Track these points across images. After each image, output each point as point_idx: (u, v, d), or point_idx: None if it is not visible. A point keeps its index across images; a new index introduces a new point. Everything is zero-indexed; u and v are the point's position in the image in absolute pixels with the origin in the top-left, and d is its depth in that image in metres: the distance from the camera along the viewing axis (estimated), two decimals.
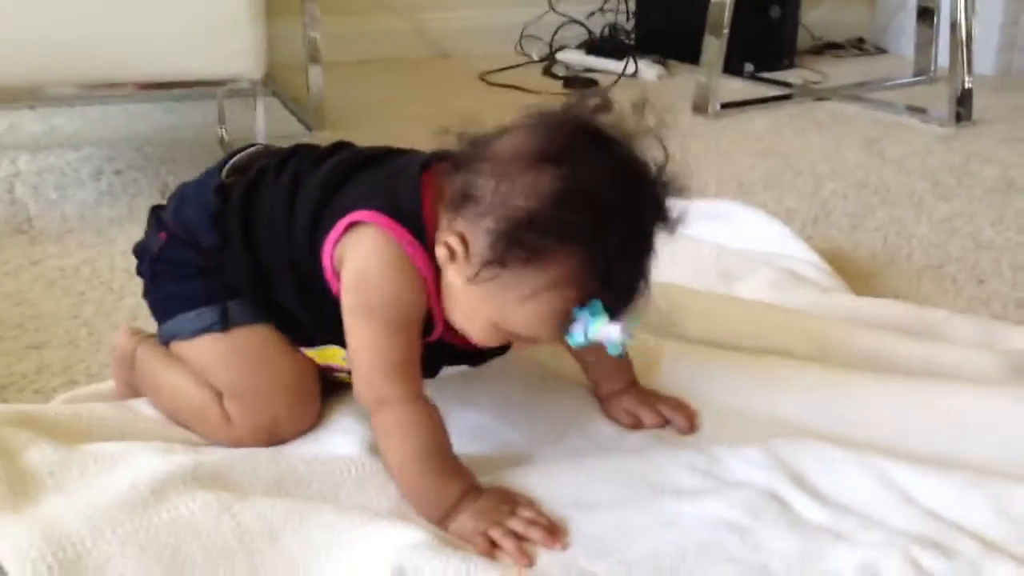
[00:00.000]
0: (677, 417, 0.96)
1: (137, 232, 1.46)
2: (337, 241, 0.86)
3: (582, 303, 0.79)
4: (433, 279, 0.85)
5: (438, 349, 0.89)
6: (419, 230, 0.84)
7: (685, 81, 2.50)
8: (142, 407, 0.97)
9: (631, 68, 2.61)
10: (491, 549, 0.80)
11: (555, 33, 2.79)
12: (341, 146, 0.96)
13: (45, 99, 2.10)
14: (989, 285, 1.37)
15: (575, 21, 2.83)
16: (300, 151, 0.96)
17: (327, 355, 0.94)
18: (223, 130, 1.98)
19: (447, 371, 0.97)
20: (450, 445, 0.86)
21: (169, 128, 2.08)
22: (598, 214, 0.78)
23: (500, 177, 0.79)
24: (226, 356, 0.92)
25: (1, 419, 0.88)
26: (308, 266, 0.88)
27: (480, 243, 0.80)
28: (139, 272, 1.00)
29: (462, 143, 0.84)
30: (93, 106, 2.18)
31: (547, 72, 2.63)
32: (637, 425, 0.96)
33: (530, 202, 0.78)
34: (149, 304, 0.99)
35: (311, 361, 0.95)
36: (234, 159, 0.97)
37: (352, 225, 0.85)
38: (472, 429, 0.94)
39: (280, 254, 0.90)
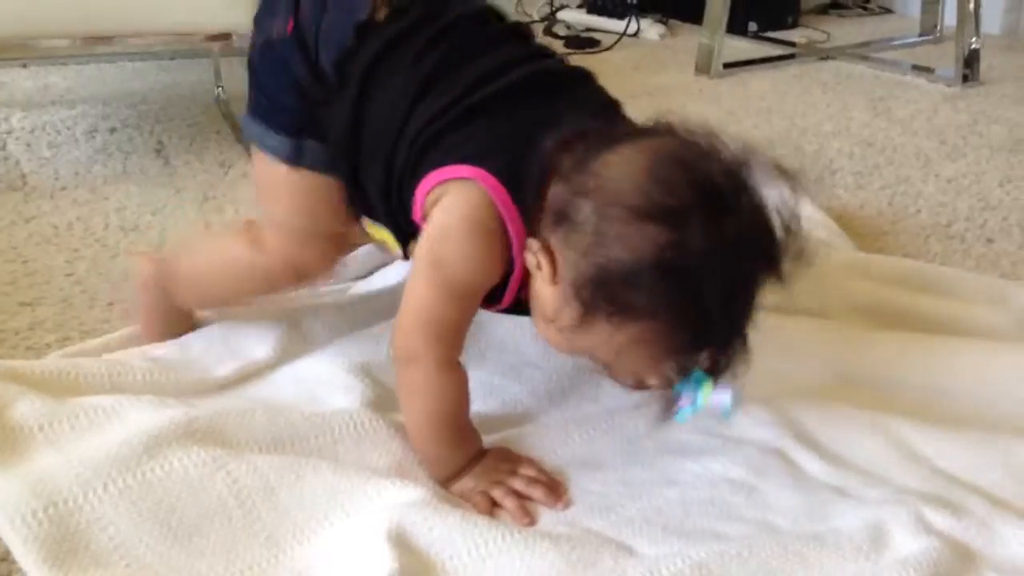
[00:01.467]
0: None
1: (132, 190, 1.46)
2: (441, 182, 0.79)
3: (679, 372, 0.74)
4: (519, 248, 0.78)
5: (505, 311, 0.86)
6: (522, 197, 0.77)
7: (687, 41, 2.46)
8: (134, 361, 0.95)
9: (633, 28, 2.58)
10: (492, 508, 0.79)
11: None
12: (506, 36, 0.87)
13: (37, 53, 2.06)
14: (998, 244, 1.35)
15: None
16: (458, 25, 0.85)
17: (382, 235, 0.90)
18: (220, 89, 1.95)
19: None
20: (467, 415, 0.84)
21: (164, 86, 2.04)
22: (697, 288, 0.70)
23: (603, 214, 0.72)
24: (284, 189, 0.89)
25: None
26: (402, 178, 0.83)
27: (568, 273, 0.74)
28: (256, 28, 0.91)
29: (590, 135, 0.75)
30: (87, 64, 2.15)
31: (548, 32, 2.59)
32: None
33: (627, 257, 0.70)
34: (249, 77, 0.91)
35: (353, 222, 0.91)
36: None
37: (454, 177, 0.79)
38: (479, 387, 0.92)
39: (381, 147, 0.84)
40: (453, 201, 0.79)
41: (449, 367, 0.82)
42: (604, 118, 0.81)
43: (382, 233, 0.91)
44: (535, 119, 0.78)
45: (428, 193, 0.81)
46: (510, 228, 0.78)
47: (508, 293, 0.82)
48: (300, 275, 0.94)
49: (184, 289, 0.99)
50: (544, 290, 0.77)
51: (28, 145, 1.65)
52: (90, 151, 1.63)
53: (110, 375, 0.90)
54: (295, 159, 0.87)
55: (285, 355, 0.98)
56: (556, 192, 0.75)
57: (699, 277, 0.70)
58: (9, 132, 1.71)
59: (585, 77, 0.87)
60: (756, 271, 0.73)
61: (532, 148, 0.76)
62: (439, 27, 0.84)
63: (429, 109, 0.81)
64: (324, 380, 0.94)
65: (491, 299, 0.83)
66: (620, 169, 0.73)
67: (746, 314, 0.73)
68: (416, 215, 0.83)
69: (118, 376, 0.90)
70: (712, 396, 0.74)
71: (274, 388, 0.94)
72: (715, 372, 0.75)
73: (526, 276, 0.80)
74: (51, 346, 1.03)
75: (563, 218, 0.74)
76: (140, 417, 0.82)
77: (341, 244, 0.95)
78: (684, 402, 0.75)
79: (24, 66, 2.10)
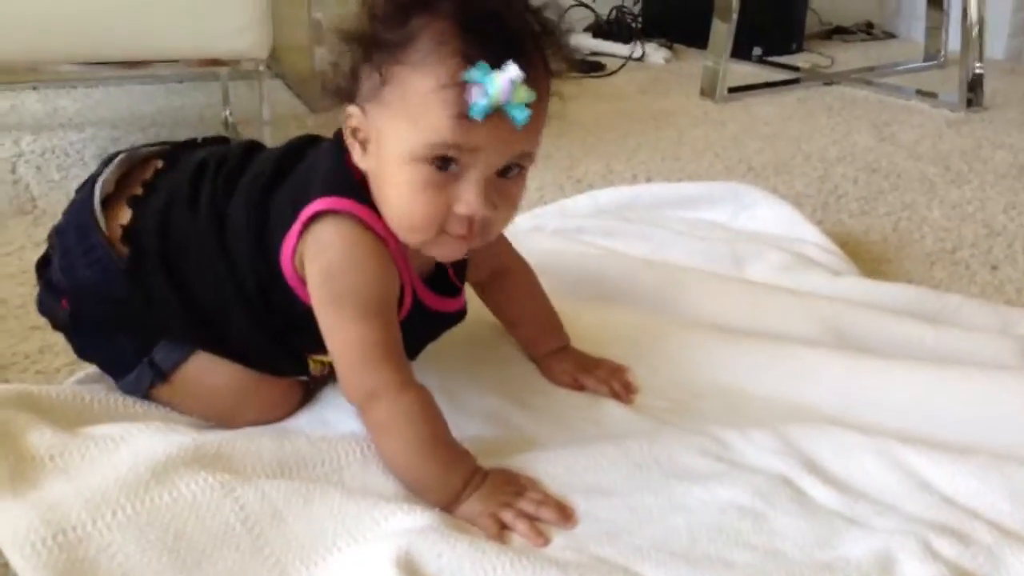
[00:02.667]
0: (615, 382, 0.97)
1: None
2: (295, 246, 0.82)
3: (467, 67, 0.74)
4: (393, 240, 0.82)
5: (414, 322, 0.86)
6: (360, 193, 0.81)
7: (692, 65, 2.48)
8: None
9: (638, 52, 2.59)
10: (501, 531, 0.79)
11: (561, 16, 2.76)
12: (248, 152, 0.91)
13: (46, 77, 2.08)
14: (1002, 271, 1.35)
15: (582, 4, 2.81)
16: (203, 172, 0.88)
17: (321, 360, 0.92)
18: (228, 112, 1.97)
19: (448, 355, 0.95)
20: (448, 429, 0.83)
21: (173, 109, 2.06)
22: None
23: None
24: (183, 399, 0.91)
25: (1, 400, 0.87)
26: (265, 292, 0.84)
27: (363, 82, 0.79)
28: (68, 337, 0.94)
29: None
30: (96, 87, 2.17)
31: None
32: (578, 388, 0.97)
33: (381, 7, 0.77)
34: (95, 364, 0.95)
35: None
36: (100, 183, 0.89)
37: (306, 225, 0.81)
38: (480, 412, 0.93)
39: (223, 292, 0.85)
40: (316, 244, 0.81)
41: (408, 386, 0.81)
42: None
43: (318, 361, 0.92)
44: (309, 164, 0.85)
45: (293, 262, 0.82)
46: (364, 218, 0.80)
47: (404, 281, 0.84)
48: (264, 421, 0.92)
49: None
50: (376, 160, 0.79)
51: (38, 168, 1.67)
52: None
53: (123, 403, 0.91)
54: (160, 374, 0.89)
55: None
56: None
57: None
58: (19, 155, 1.72)
59: (320, 137, 0.91)
60: None
61: (325, 163, 0.83)
62: (188, 193, 0.87)
63: (239, 233, 0.84)
64: (332, 403, 0.94)
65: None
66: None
67: (512, 8, 0.77)
68: (297, 289, 0.83)
69: (131, 404, 0.91)
70: (499, 78, 0.73)
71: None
72: (497, 62, 0.73)
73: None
74: (60, 370, 1.04)
75: (350, 88, 0.80)
76: (148, 443, 0.82)
77: (274, 394, 0.92)
78: (475, 93, 0.73)
79: (34, 89, 2.12)
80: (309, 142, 0.90)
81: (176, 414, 0.92)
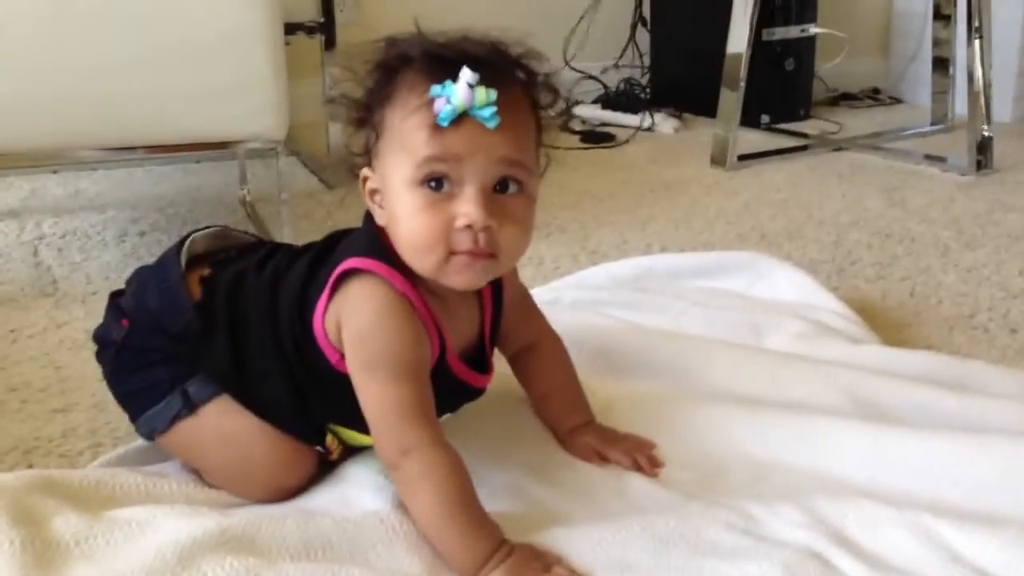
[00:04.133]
0: (640, 456, 0.97)
1: None
2: (326, 308, 0.86)
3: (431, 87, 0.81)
4: (420, 302, 0.85)
5: (436, 384, 0.87)
6: (388, 256, 0.85)
7: (701, 134, 2.51)
8: (168, 470, 0.96)
9: (647, 122, 2.63)
10: None
11: (571, 89, 2.81)
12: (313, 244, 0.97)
13: (68, 162, 2.12)
14: (1022, 334, 1.35)
15: (591, 77, 2.86)
16: (277, 251, 0.96)
17: (349, 437, 0.94)
18: (245, 190, 2.00)
19: (473, 427, 0.95)
20: (476, 494, 0.84)
21: (191, 189, 2.09)
22: (407, 38, 0.85)
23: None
24: (202, 441, 0.92)
25: (27, 486, 0.87)
26: (299, 350, 0.88)
27: (368, 137, 0.87)
28: (99, 359, 0.98)
29: None
30: (116, 169, 2.21)
31: (564, 127, 2.64)
32: (599, 461, 0.97)
33: (366, 83, 0.86)
34: (116, 397, 0.98)
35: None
36: (189, 240, 0.97)
37: (336, 286, 0.85)
38: (503, 487, 0.93)
39: (266, 346, 0.89)
40: (347, 307, 0.85)
41: (441, 444, 0.83)
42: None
43: (346, 435, 0.94)
44: (353, 236, 0.91)
45: (324, 324, 0.86)
46: (391, 281, 0.84)
47: (434, 342, 0.86)
48: (272, 497, 0.93)
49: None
50: (388, 206, 0.85)
51: (59, 250, 1.69)
52: (120, 255, 1.67)
53: (147, 485, 0.91)
54: (189, 405, 0.91)
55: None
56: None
57: (410, 38, 0.85)
58: (41, 238, 1.75)
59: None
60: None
61: (361, 234, 0.89)
62: (260, 257, 0.95)
63: (287, 290, 0.90)
64: (355, 481, 0.94)
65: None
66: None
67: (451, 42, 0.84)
68: (335, 361, 0.87)
69: (154, 487, 0.91)
70: (458, 87, 0.79)
71: (306, 493, 0.94)
72: (452, 76, 0.80)
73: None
74: (83, 453, 1.04)
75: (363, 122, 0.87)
76: (174, 527, 0.82)
77: (290, 456, 0.93)
78: (440, 105, 0.80)
79: (55, 172, 2.16)
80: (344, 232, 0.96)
81: (199, 494, 0.92)
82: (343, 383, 0.87)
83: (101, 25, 1.42)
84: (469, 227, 0.81)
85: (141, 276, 0.99)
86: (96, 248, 1.70)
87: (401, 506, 0.88)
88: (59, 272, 1.59)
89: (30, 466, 1.02)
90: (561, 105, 0.91)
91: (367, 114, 0.86)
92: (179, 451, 0.95)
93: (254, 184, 2.01)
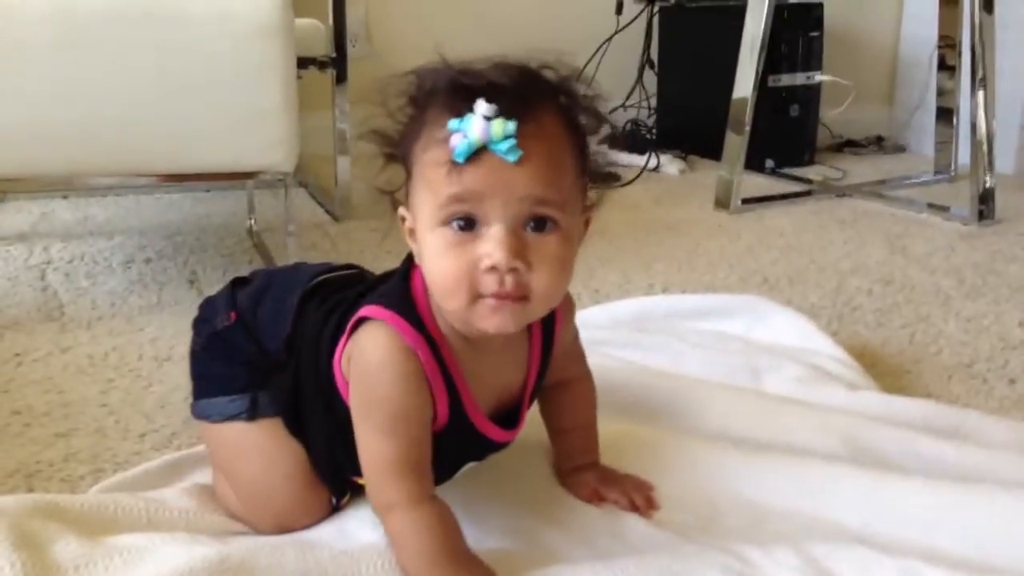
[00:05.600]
0: (638, 496, 0.97)
1: (167, 320, 1.49)
2: (344, 348, 0.86)
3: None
4: (426, 352, 0.82)
5: (451, 438, 0.87)
6: (409, 311, 0.83)
7: (706, 176, 2.53)
8: (168, 497, 0.96)
9: (653, 163, 2.65)
10: None
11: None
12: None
13: (79, 189, 2.14)
14: (1020, 385, 1.35)
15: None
16: (352, 283, 0.95)
17: None
18: (252, 220, 2.01)
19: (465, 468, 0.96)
20: (463, 543, 0.84)
21: (199, 217, 2.11)
22: (432, 69, 0.81)
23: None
24: (243, 448, 0.94)
25: (28, 511, 0.87)
26: (325, 392, 0.88)
27: (412, 146, 0.82)
28: (195, 329, 0.99)
29: None
30: (125, 195, 2.23)
31: None
32: (597, 500, 0.97)
33: (397, 118, 0.83)
34: (192, 370, 0.99)
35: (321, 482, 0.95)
36: (326, 276, 0.96)
37: (353, 329, 0.85)
38: (499, 526, 0.93)
39: (311, 383, 0.90)
40: (356, 350, 0.84)
41: (422, 501, 0.82)
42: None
43: None
44: (388, 275, 0.90)
45: (341, 364, 0.86)
46: (403, 336, 0.82)
47: (439, 402, 0.84)
48: (279, 527, 0.94)
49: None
50: (422, 242, 0.81)
51: (67, 275, 1.70)
52: (126, 282, 1.68)
53: (147, 511, 0.91)
54: (253, 411, 0.93)
55: None
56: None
57: (434, 69, 0.80)
58: (48, 262, 1.77)
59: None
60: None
61: (392, 279, 0.87)
62: (339, 298, 0.92)
63: (327, 328, 0.89)
64: (353, 514, 0.95)
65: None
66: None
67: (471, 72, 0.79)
68: (344, 394, 0.87)
69: (155, 513, 0.91)
70: (473, 120, 0.75)
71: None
72: (465, 111, 0.76)
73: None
74: (84, 478, 1.05)
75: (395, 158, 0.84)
76: (173, 554, 0.83)
77: (314, 491, 0.95)
78: (456, 140, 0.76)
79: (65, 198, 2.18)
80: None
81: (200, 521, 0.92)
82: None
83: (115, 54, 1.44)
84: (494, 269, 0.76)
85: (272, 278, 0.99)
86: (103, 274, 1.71)
87: None
88: (65, 297, 1.60)
89: (31, 490, 1.02)
90: (606, 130, 0.86)
91: (397, 151, 0.83)
92: (215, 447, 0.97)
93: (261, 214, 2.03)
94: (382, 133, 0.83)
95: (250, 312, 0.95)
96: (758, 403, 1.15)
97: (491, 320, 0.79)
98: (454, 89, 0.78)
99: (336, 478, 0.94)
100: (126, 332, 1.46)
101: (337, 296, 0.92)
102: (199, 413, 0.97)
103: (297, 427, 0.93)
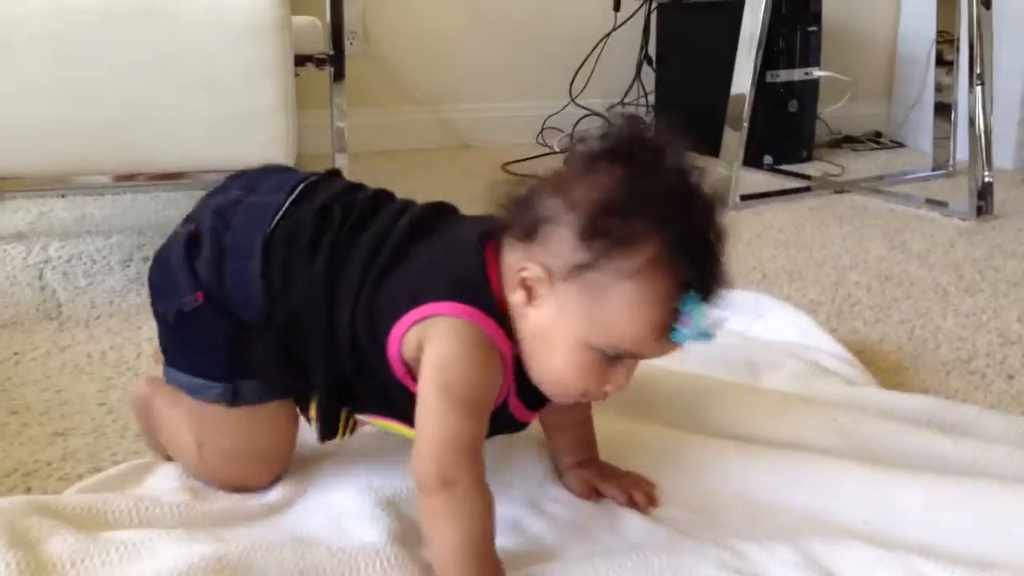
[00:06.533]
0: (637, 493, 0.97)
1: None
2: (406, 333, 0.85)
3: (679, 291, 0.77)
4: (509, 355, 0.84)
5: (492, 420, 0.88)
6: (491, 307, 0.83)
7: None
8: (162, 495, 0.96)
9: None
10: None
11: (576, 125, 2.84)
12: (378, 201, 0.93)
13: (76, 187, 2.14)
14: (1018, 380, 1.35)
15: (596, 114, 2.88)
16: (328, 218, 0.91)
17: (383, 424, 0.95)
18: None
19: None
20: (494, 537, 0.84)
21: None
22: (673, 193, 0.79)
23: (565, 190, 0.80)
24: (217, 422, 0.94)
25: (22, 509, 0.87)
26: (359, 358, 0.88)
27: (562, 252, 0.79)
28: (156, 295, 0.96)
29: (510, 208, 0.84)
30: (123, 194, 2.23)
31: (568, 163, 2.66)
32: (594, 496, 0.98)
33: (605, 193, 0.78)
34: (161, 339, 0.98)
35: (292, 434, 0.98)
36: (286, 205, 0.91)
37: (425, 317, 0.84)
38: (503, 521, 0.93)
39: (316, 347, 0.89)
40: (437, 333, 0.83)
41: (482, 488, 0.83)
42: (488, 219, 0.88)
43: (383, 424, 0.95)
44: (447, 247, 0.87)
45: (401, 348, 0.85)
46: (488, 332, 0.83)
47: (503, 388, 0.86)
48: (239, 489, 0.97)
49: (159, 432, 1.03)
50: (539, 320, 0.82)
51: (65, 274, 1.70)
52: (125, 280, 1.68)
53: (138, 510, 0.91)
54: (233, 400, 0.93)
55: (307, 489, 0.99)
56: (518, 225, 0.82)
57: (666, 181, 0.79)
58: (47, 261, 1.76)
59: (449, 207, 0.95)
60: (712, 202, 0.81)
61: (464, 262, 0.85)
62: (313, 235, 0.90)
63: (346, 298, 0.88)
64: (351, 512, 0.94)
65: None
66: (561, 173, 0.82)
67: (719, 231, 0.80)
68: (399, 374, 0.87)
69: (146, 511, 0.91)
70: (706, 319, 0.77)
71: (302, 519, 0.95)
72: (708, 295, 0.78)
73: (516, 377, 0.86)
74: (82, 477, 1.04)
75: (533, 226, 0.81)
76: (170, 552, 0.82)
77: (275, 463, 0.98)
78: (684, 324, 0.77)
79: (62, 196, 2.18)
80: (440, 215, 0.93)
81: (193, 517, 0.92)
82: (393, 386, 0.87)
83: (112, 51, 1.44)
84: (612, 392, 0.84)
85: (218, 242, 0.92)
86: (101, 272, 1.71)
87: (397, 539, 0.89)
88: (63, 296, 1.60)
89: (29, 489, 1.02)
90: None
91: (591, 231, 0.77)
92: (185, 408, 0.95)
93: None
94: (585, 208, 0.78)
95: (216, 287, 0.91)
96: (757, 399, 1.15)
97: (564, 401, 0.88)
98: (684, 255, 0.77)
99: (332, 413, 0.93)
100: (124, 331, 1.46)
101: (327, 240, 0.89)
102: (172, 380, 0.96)
103: (296, 373, 0.92)
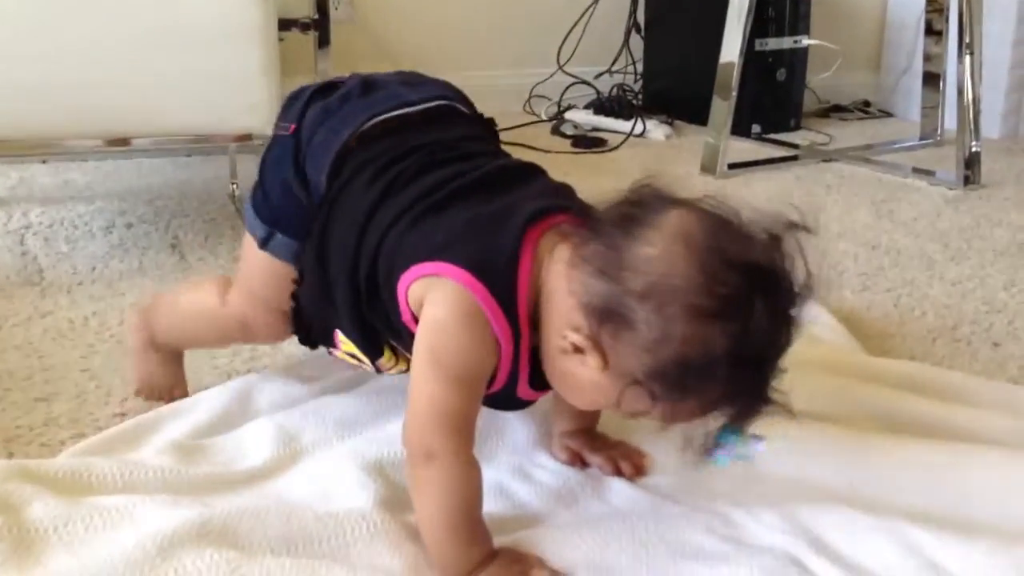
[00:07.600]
0: (624, 463, 0.96)
1: (148, 285, 1.48)
2: (415, 279, 0.83)
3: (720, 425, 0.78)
4: (509, 344, 0.82)
5: (496, 401, 0.88)
6: (507, 292, 0.81)
7: (692, 141, 2.51)
8: (146, 459, 0.95)
9: (639, 128, 2.63)
10: None
11: (563, 93, 2.82)
12: (457, 148, 0.93)
13: (57, 152, 2.11)
14: (1004, 348, 1.36)
15: (583, 82, 2.86)
16: (418, 149, 0.91)
17: (350, 348, 0.96)
18: (235, 185, 1.99)
19: None
20: (481, 509, 0.83)
21: (180, 182, 2.09)
22: (763, 366, 0.76)
23: (664, 315, 0.74)
24: (256, 264, 1.01)
25: (4, 474, 0.87)
26: (371, 291, 0.88)
27: (623, 353, 0.76)
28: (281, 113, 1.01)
29: (581, 210, 0.83)
30: (105, 160, 2.20)
31: (555, 131, 2.65)
32: (579, 464, 0.98)
33: (699, 347, 0.73)
34: (261, 157, 1.02)
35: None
36: (384, 117, 0.93)
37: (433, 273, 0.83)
38: (490, 487, 0.92)
39: (343, 265, 0.89)
40: (440, 296, 0.82)
41: (468, 460, 0.82)
42: (558, 198, 0.87)
43: (350, 346, 0.94)
44: (493, 214, 0.84)
45: (408, 293, 0.84)
46: (488, 314, 0.80)
47: (501, 372, 0.84)
48: (248, 335, 1.07)
49: (163, 326, 1.10)
50: (588, 375, 0.80)
51: (46, 240, 1.68)
52: (107, 246, 1.66)
53: (122, 474, 0.90)
54: (263, 244, 1.00)
55: (293, 454, 0.99)
56: (595, 287, 0.77)
57: (765, 357, 0.76)
58: (28, 227, 1.74)
59: (536, 169, 0.94)
60: (792, 336, 0.78)
61: (501, 237, 0.82)
62: (399, 152, 0.91)
63: (383, 220, 0.87)
64: (337, 478, 0.94)
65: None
66: (664, 264, 0.75)
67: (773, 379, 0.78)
68: (405, 317, 0.85)
69: (130, 475, 0.90)
70: (745, 446, 0.79)
71: (287, 485, 0.94)
72: (747, 423, 0.79)
73: (519, 359, 0.84)
74: (65, 443, 1.04)
75: (613, 316, 0.76)
76: (154, 517, 0.82)
77: (280, 317, 1.02)
78: (724, 451, 0.78)
79: (44, 162, 2.15)
80: (522, 175, 0.92)
81: (178, 482, 0.91)
82: (402, 328, 0.87)
83: (94, 13, 1.41)
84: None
85: (333, 106, 0.96)
86: (83, 238, 1.69)
87: (384, 504, 0.89)
88: (45, 262, 1.58)
89: (11, 455, 1.01)
90: None
91: (672, 384, 0.76)
92: (245, 240, 1.02)
93: (244, 180, 2.00)
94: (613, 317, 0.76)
95: (309, 131, 0.95)
96: None
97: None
98: (756, 412, 0.78)
99: (370, 342, 0.93)
100: (107, 297, 1.44)
101: (398, 168, 0.89)
102: (246, 207, 1.02)
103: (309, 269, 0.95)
